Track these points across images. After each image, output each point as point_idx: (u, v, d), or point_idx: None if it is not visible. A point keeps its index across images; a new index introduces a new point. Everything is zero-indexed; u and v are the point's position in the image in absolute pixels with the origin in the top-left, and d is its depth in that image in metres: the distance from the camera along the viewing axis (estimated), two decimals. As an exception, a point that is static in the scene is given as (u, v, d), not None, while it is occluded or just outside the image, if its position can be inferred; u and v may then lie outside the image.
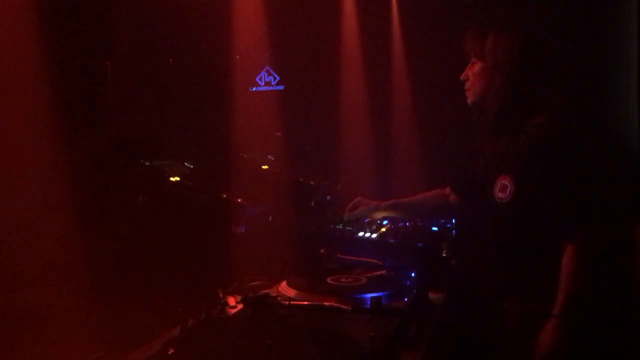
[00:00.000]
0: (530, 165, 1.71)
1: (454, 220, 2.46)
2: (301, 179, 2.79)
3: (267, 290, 1.73)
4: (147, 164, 2.37)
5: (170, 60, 5.12)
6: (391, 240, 2.14)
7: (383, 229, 2.28)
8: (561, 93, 1.83)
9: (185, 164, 2.96)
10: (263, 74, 5.86)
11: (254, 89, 5.82)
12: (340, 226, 2.25)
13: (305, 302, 1.64)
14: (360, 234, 2.20)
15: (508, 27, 1.80)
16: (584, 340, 1.61)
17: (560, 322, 1.59)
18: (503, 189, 1.78)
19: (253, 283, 1.87)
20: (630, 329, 2.08)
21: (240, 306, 1.63)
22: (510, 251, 1.77)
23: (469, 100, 1.88)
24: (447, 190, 2.23)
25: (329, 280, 1.84)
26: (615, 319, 1.86)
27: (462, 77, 1.88)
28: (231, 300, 1.67)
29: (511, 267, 1.77)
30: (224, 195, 2.17)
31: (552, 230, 1.67)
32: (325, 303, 1.62)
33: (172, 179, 2.29)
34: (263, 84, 5.81)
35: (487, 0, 4.14)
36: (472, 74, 1.84)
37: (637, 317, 2.12)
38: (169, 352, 1.29)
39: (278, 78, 5.81)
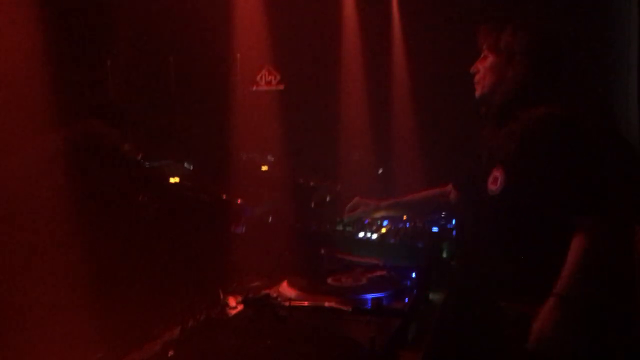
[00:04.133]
0: (521, 156, 1.67)
1: (454, 221, 2.45)
2: (301, 180, 2.79)
3: (267, 291, 1.73)
4: (147, 164, 2.37)
5: (171, 58, 5.12)
6: (391, 241, 2.13)
7: (383, 230, 2.28)
8: (567, 90, 1.79)
9: (185, 164, 2.96)
10: (263, 73, 5.86)
11: (254, 88, 5.82)
12: (340, 227, 2.25)
13: (306, 303, 1.64)
14: (361, 234, 2.20)
15: (526, 22, 1.78)
16: (580, 323, 1.57)
17: (559, 302, 1.55)
18: (494, 181, 1.73)
19: (253, 283, 1.86)
20: (630, 329, 2.06)
21: (240, 307, 1.63)
22: (503, 244, 1.74)
23: (477, 93, 1.84)
24: (449, 187, 2.20)
25: (329, 280, 1.84)
26: (616, 312, 1.81)
27: (472, 69, 1.84)
28: (231, 301, 1.66)
29: (504, 261, 1.74)
30: (224, 196, 2.17)
31: (547, 222, 1.64)
32: (326, 304, 1.62)
33: (172, 179, 2.29)
34: (264, 83, 5.81)
35: (488, 1, 4.15)
36: (484, 67, 1.81)
37: (637, 318, 2.11)
38: (169, 354, 1.29)
39: (278, 77, 5.81)
